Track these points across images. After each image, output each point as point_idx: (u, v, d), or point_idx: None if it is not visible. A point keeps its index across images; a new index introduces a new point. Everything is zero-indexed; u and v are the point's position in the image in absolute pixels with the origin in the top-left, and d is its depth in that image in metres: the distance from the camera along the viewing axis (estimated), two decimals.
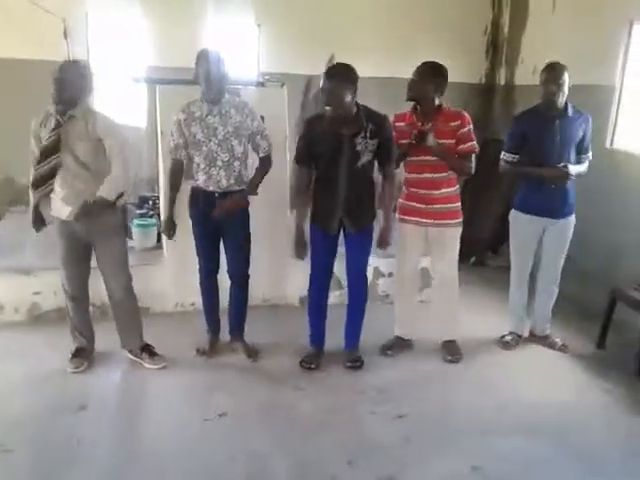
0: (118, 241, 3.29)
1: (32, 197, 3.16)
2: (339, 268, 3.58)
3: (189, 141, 3.24)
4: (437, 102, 3.36)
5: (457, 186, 3.51)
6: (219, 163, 3.22)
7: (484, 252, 5.47)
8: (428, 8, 5.92)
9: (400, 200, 3.57)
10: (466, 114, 3.39)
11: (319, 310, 3.53)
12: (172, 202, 3.37)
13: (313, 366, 3.49)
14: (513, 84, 6.01)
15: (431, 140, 3.27)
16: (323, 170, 3.25)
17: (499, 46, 6.29)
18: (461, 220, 3.53)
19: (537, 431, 2.96)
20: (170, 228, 3.40)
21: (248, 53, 5.73)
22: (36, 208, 3.17)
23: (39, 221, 3.21)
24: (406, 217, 3.53)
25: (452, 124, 3.35)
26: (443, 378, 3.48)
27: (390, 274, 4.45)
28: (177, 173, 3.36)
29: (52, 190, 3.11)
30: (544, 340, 3.88)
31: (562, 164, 3.45)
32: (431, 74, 3.31)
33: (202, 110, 3.19)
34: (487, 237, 5.37)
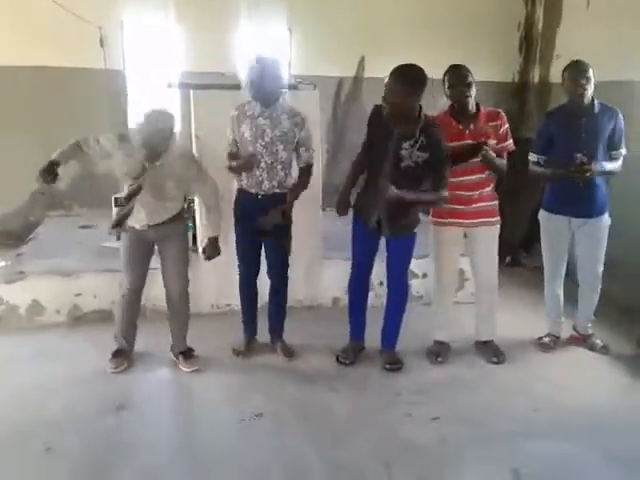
0: (183, 243, 3.39)
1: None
2: (376, 269, 3.58)
3: (237, 139, 3.29)
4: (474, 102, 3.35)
5: (492, 185, 3.49)
6: (262, 165, 3.25)
7: (518, 252, 5.40)
8: (460, 6, 5.87)
9: None
10: (503, 113, 3.40)
11: (358, 304, 3.55)
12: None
13: (348, 361, 3.51)
14: (548, 81, 5.91)
15: (490, 155, 3.27)
16: (372, 162, 3.27)
17: (533, 42, 6.19)
18: (499, 219, 3.50)
19: (576, 434, 2.91)
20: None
21: (280, 57, 5.75)
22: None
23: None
24: (444, 220, 3.48)
25: (491, 124, 3.34)
26: (479, 380, 3.45)
27: (424, 275, 4.43)
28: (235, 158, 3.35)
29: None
30: (585, 341, 3.82)
31: (579, 159, 3.33)
32: (471, 75, 3.31)
33: (254, 110, 3.24)
34: (520, 237, 5.30)
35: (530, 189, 4.56)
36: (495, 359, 3.60)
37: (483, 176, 3.40)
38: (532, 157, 3.60)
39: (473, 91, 3.31)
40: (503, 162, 3.41)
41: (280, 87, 3.26)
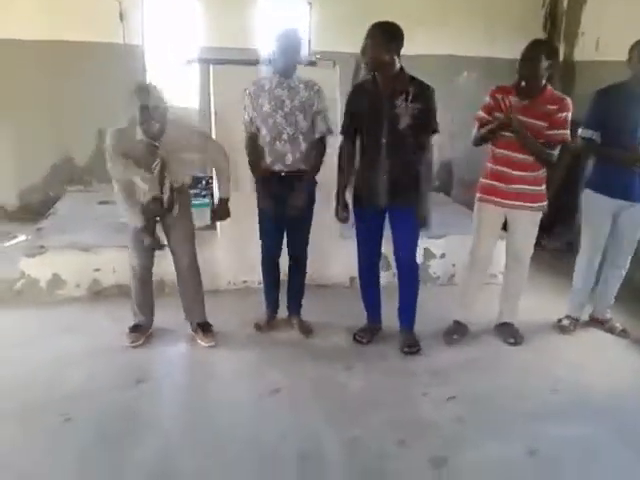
0: (188, 218, 3.39)
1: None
2: (387, 248, 3.55)
3: (257, 113, 3.26)
4: (543, 83, 3.22)
5: (543, 170, 3.36)
6: (284, 137, 3.24)
7: (539, 233, 5.32)
8: None
9: (482, 179, 3.47)
10: (569, 101, 3.22)
11: (370, 288, 3.55)
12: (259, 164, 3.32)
13: (365, 340, 3.53)
14: (572, 60, 5.78)
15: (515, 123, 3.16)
16: (366, 136, 3.23)
17: (558, 19, 6.04)
18: (543, 204, 3.40)
19: (593, 416, 2.91)
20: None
21: (299, 30, 5.69)
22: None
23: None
24: (486, 196, 3.44)
25: (549, 107, 3.20)
26: (497, 361, 3.43)
27: (442, 255, 4.41)
28: (255, 146, 3.32)
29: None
30: (603, 324, 3.79)
31: None
32: (545, 53, 3.15)
33: (272, 82, 3.24)
34: (542, 218, 5.23)
35: (552, 170, 4.52)
36: (512, 340, 3.58)
37: (531, 158, 3.27)
38: (585, 133, 3.44)
39: (541, 69, 3.14)
40: (549, 151, 3.23)
41: (297, 58, 3.24)
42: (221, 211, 3.41)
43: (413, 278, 3.46)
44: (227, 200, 3.37)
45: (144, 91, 3.00)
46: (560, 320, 3.80)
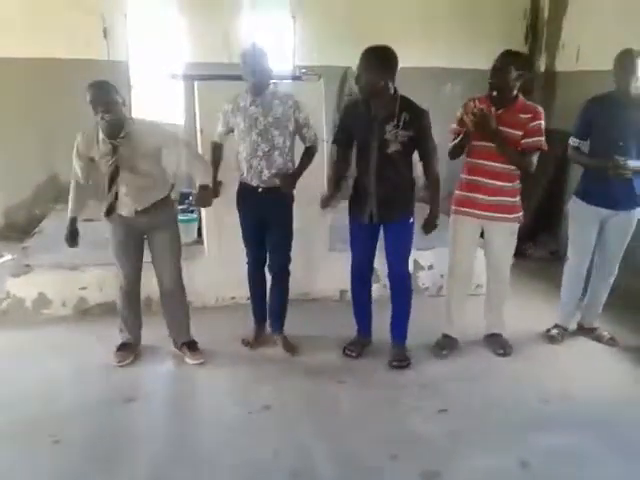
0: (173, 233, 3.35)
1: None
2: (378, 262, 3.55)
3: (234, 131, 3.30)
4: (514, 92, 3.26)
5: (517, 181, 3.39)
6: (259, 153, 3.25)
7: (524, 242, 5.36)
8: None
9: (456, 191, 3.49)
10: (541, 109, 3.28)
11: (360, 301, 3.55)
12: (215, 172, 3.39)
13: (355, 354, 3.52)
14: (554, 71, 5.86)
15: (492, 123, 3.18)
16: (358, 155, 3.26)
17: (539, 31, 6.13)
18: (519, 215, 3.42)
19: (584, 426, 2.91)
20: (216, 187, 3.39)
21: (284, 46, 5.73)
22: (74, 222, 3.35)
23: (75, 236, 3.36)
24: (461, 209, 3.45)
25: (522, 116, 3.23)
26: (486, 373, 3.43)
27: (430, 267, 4.42)
28: (216, 153, 3.43)
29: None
30: (591, 333, 3.80)
31: (622, 158, 3.30)
32: (515, 64, 3.19)
33: (246, 100, 3.25)
34: (526, 227, 5.27)
35: (536, 179, 4.55)
36: (501, 351, 3.59)
37: (508, 167, 3.29)
38: (572, 141, 3.53)
39: (509, 79, 3.18)
40: (526, 158, 3.26)
41: (266, 74, 3.22)
42: (202, 197, 3.27)
43: (405, 289, 3.46)
44: (207, 186, 3.26)
45: (95, 86, 2.99)
46: (549, 330, 3.81)
